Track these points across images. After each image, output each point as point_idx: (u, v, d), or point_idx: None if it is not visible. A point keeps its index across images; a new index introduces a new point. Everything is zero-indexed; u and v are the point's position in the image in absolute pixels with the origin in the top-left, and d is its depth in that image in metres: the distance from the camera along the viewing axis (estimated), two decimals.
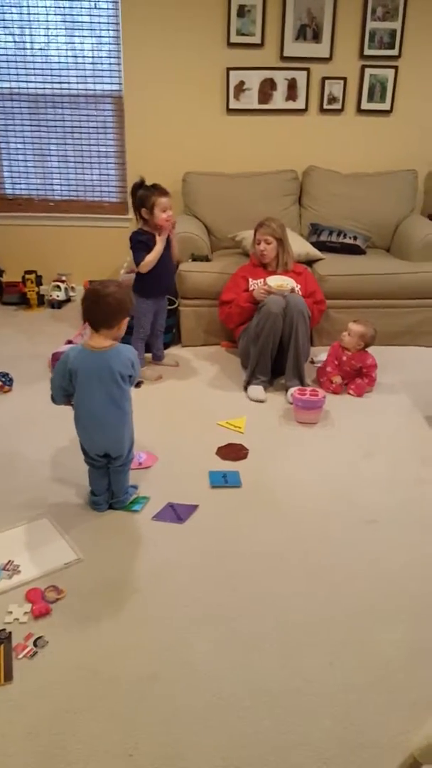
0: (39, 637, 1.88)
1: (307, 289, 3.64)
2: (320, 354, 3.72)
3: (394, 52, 4.51)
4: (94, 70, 4.62)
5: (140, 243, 3.41)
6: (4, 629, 1.90)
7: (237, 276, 3.73)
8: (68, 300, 4.88)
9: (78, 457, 2.47)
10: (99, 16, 4.47)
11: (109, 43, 4.54)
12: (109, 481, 2.46)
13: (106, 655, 1.84)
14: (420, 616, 2.01)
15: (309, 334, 3.49)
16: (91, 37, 4.53)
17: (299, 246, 4.07)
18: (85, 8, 4.45)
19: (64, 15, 4.47)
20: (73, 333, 4.12)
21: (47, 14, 4.47)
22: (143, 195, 3.37)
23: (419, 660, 1.85)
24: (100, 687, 1.75)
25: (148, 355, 3.79)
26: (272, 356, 3.42)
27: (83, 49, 4.57)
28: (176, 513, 2.46)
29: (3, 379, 3.45)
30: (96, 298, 2.22)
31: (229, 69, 4.52)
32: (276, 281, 3.46)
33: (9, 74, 4.62)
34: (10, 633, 1.88)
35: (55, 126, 4.76)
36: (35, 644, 1.86)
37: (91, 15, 4.47)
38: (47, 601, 2.00)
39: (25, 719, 1.65)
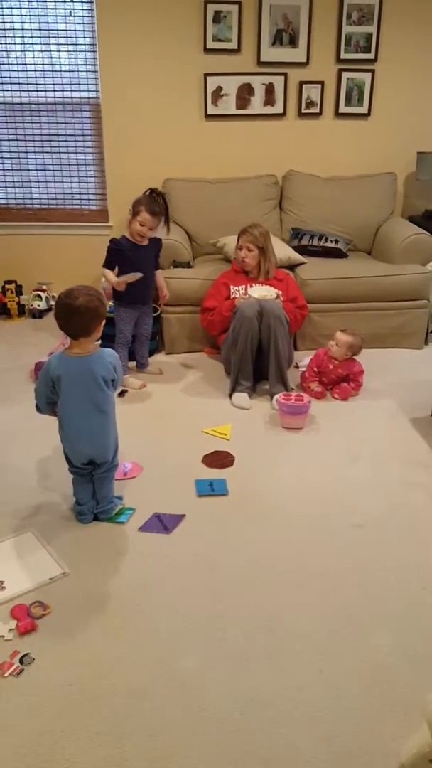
0: (25, 655, 1.85)
1: (289, 294, 3.64)
2: (305, 359, 3.71)
3: (371, 55, 4.54)
4: (71, 77, 4.59)
5: (112, 251, 3.50)
6: None
7: (219, 283, 3.72)
8: (49, 309, 4.83)
9: (62, 468, 2.44)
10: (75, 23, 4.46)
11: (86, 51, 4.53)
12: (93, 489, 2.44)
13: (94, 671, 1.82)
14: (409, 620, 2.00)
15: (289, 339, 3.48)
16: (68, 44, 4.51)
17: (280, 251, 4.07)
18: (60, 16, 4.43)
19: (40, 23, 4.45)
20: (55, 343, 4.08)
21: (23, 22, 4.45)
22: (139, 199, 3.47)
23: (409, 665, 1.84)
24: (88, 703, 1.72)
25: (132, 363, 3.77)
26: (252, 360, 3.41)
27: (60, 57, 4.54)
28: (163, 523, 2.44)
29: None
30: (68, 312, 2.20)
31: (206, 75, 4.52)
32: (259, 292, 3.45)
33: None
34: None
35: (33, 134, 4.73)
36: (21, 662, 1.83)
37: (66, 23, 4.45)
38: (33, 617, 1.97)
39: (12, 739, 1.62)
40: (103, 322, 2.27)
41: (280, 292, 3.54)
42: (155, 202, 3.44)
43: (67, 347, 2.30)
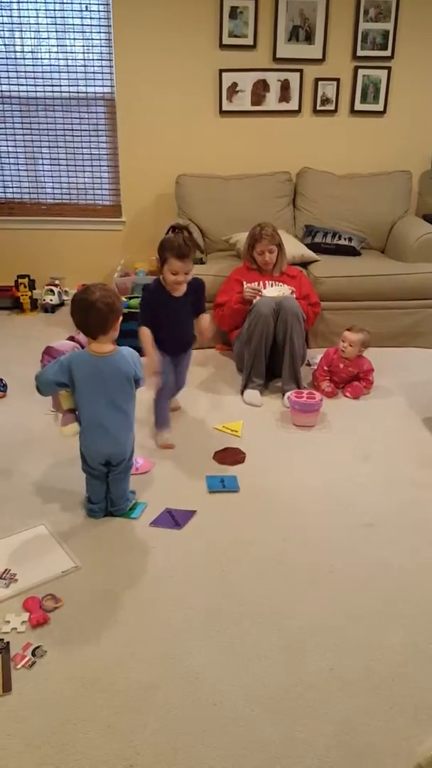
0: (37, 647, 1.86)
1: (302, 291, 3.64)
2: (317, 356, 3.70)
3: (387, 53, 4.52)
4: (85, 72, 4.60)
5: (146, 302, 2.96)
6: (1, 639, 1.88)
7: (231, 279, 3.72)
8: (62, 304, 4.86)
9: (75, 462, 2.45)
10: (90, 18, 4.46)
11: (101, 45, 4.53)
12: (107, 488, 2.44)
13: (105, 664, 1.82)
14: (420, 619, 2.00)
15: (305, 336, 3.48)
16: (83, 39, 4.52)
17: (294, 248, 4.07)
18: (76, 11, 4.44)
19: (55, 17, 4.45)
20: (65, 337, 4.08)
21: (38, 17, 4.45)
22: (163, 243, 2.88)
23: (420, 664, 1.84)
24: (100, 696, 1.73)
25: None
26: (266, 357, 3.41)
27: (75, 52, 4.55)
28: (174, 519, 2.44)
29: None
30: (85, 308, 2.18)
31: (221, 71, 4.52)
32: (272, 293, 3.44)
33: (0, 77, 4.59)
34: (8, 643, 1.86)
35: (47, 129, 4.74)
36: (33, 654, 1.84)
37: (82, 17, 4.46)
38: (45, 610, 1.98)
39: (24, 730, 1.63)
40: (120, 319, 2.26)
41: (293, 289, 3.54)
42: (182, 242, 2.84)
43: (87, 346, 2.28)
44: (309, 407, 3.13)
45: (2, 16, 4.44)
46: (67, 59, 4.57)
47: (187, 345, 3.10)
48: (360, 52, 4.51)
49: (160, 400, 3.02)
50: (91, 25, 4.48)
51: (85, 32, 4.51)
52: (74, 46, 4.54)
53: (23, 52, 4.54)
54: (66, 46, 4.54)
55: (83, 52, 4.55)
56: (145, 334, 2.90)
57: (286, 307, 3.34)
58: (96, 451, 2.34)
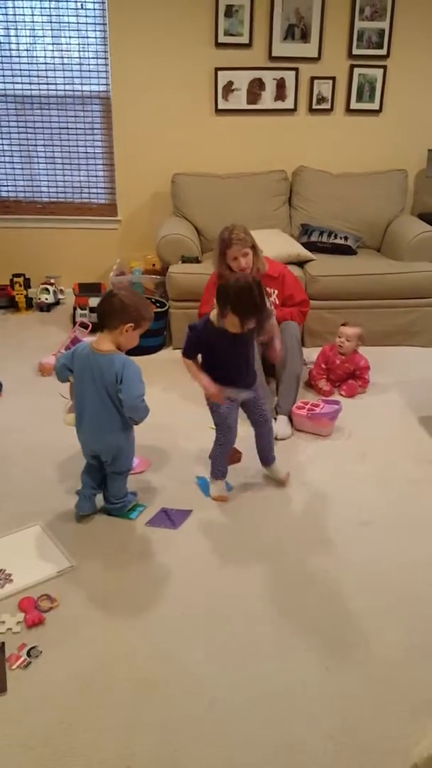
0: (32, 647, 1.85)
1: (284, 293, 3.42)
2: (313, 355, 3.69)
3: (383, 51, 4.51)
4: (81, 70, 4.58)
5: (193, 330, 2.46)
6: None
7: (210, 284, 3.53)
8: (57, 303, 4.84)
9: (69, 462, 2.45)
10: (86, 16, 4.44)
11: (96, 44, 4.51)
12: (101, 480, 2.44)
13: (102, 664, 1.82)
14: (416, 618, 2.00)
15: (301, 352, 3.41)
16: (78, 37, 4.50)
17: (290, 247, 4.06)
18: (71, 9, 4.42)
19: (50, 15, 4.44)
20: (63, 336, 4.07)
21: (33, 15, 4.43)
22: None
23: (416, 662, 1.84)
24: (96, 696, 1.72)
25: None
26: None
27: (70, 50, 4.53)
28: (170, 518, 2.44)
29: None
30: (106, 295, 2.27)
31: (217, 69, 4.50)
32: None
33: None
34: (3, 643, 1.86)
35: (42, 127, 4.73)
36: (29, 654, 1.83)
37: (77, 15, 4.44)
38: (40, 610, 1.98)
39: (19, 731, 1.63)
40: (129, 328, 2.21)
41: (275, 292, 3.42)
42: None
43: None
44: (335, 413, 3.05)
45: None
46: (62, 57, 4.55)
47: (242, 382, 2.53)
48: (356, 51, 4.50)
49: (216, 449, 2.65)
50: (86, 23, 4.46)
51: (81, 30, 4.49)
52: (69, 44, 4.52)
53: (18, 50, 4.52)
54: (61, 44, 4.51)
55: (78, 51, 4.53)
56: (187, 362, 2.51)
57: (284, 329, 3.24)
58: (83, 444, 2.35)
